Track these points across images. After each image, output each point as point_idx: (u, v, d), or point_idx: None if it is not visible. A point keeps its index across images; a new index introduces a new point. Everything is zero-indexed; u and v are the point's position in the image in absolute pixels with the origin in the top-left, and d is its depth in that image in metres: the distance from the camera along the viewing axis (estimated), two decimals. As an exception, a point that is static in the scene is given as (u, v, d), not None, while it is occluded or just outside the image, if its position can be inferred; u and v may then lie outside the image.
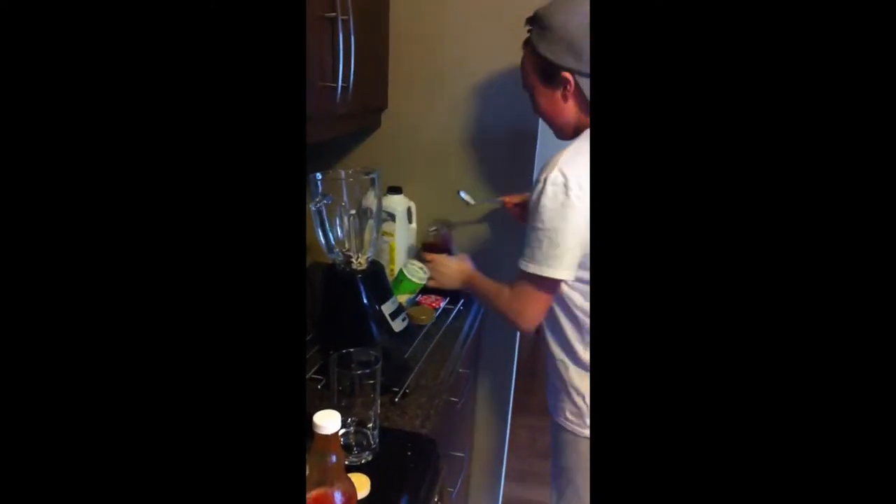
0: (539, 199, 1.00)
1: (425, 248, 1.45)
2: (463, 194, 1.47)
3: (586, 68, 0.99)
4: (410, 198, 1.54)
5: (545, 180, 0.99)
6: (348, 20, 1.09)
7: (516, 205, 1.43)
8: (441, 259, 1.31)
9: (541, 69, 1.04)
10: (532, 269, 1.02)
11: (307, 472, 0.69)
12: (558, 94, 1.05)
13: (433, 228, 1.49)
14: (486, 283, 1.22)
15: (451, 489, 1.39)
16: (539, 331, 1.17)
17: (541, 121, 1.43)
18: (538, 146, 1.48)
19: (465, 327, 1.38)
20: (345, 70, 1.11)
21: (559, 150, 1.04)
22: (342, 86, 1.11)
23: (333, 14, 1.06)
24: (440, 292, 1.42)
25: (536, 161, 1.49)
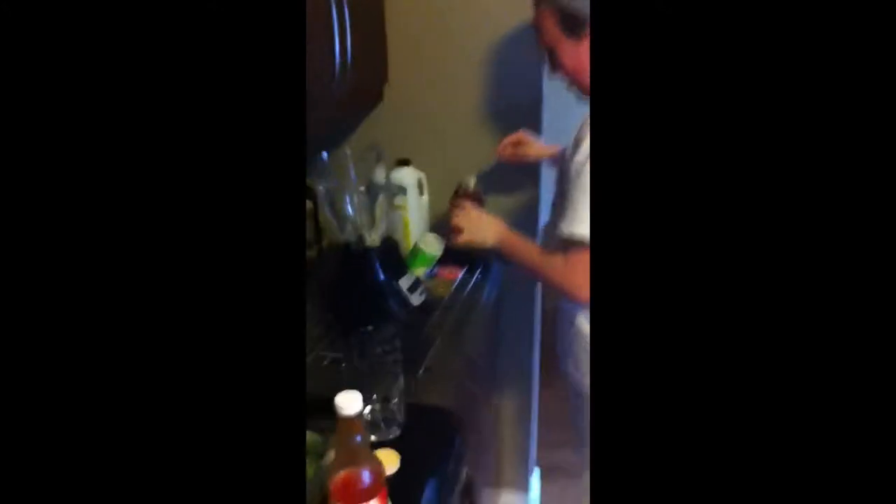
0: (586, 158, 0.97)
1: (459, 195, 1.29)
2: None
3: None
4: (420, 169, 1.52)
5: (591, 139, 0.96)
6: (341, -8, 1.06)
7: (513, 150, 1.35)
8: (476, 210, 1.22)
9: (564, 22, 1.01)
10: (580, 231, 0.98)
11: (333, 455, 0.69)
12: (584, 46, 1.01)
13: (472, 178, 1.33)
14: (529, 249, 1.14)
15: (481, 459, 1.40)
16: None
17: (545, 83, 1.40)
18: (544, 109, 1.45)
19: (484, 297, 1.37)
20: (341, 45, 1.08)
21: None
22: (340, 62, 1.08)
23: (325, -14, 1.03)
24: (459, 259, 1.39)
25: (544, 124, 1.46)
